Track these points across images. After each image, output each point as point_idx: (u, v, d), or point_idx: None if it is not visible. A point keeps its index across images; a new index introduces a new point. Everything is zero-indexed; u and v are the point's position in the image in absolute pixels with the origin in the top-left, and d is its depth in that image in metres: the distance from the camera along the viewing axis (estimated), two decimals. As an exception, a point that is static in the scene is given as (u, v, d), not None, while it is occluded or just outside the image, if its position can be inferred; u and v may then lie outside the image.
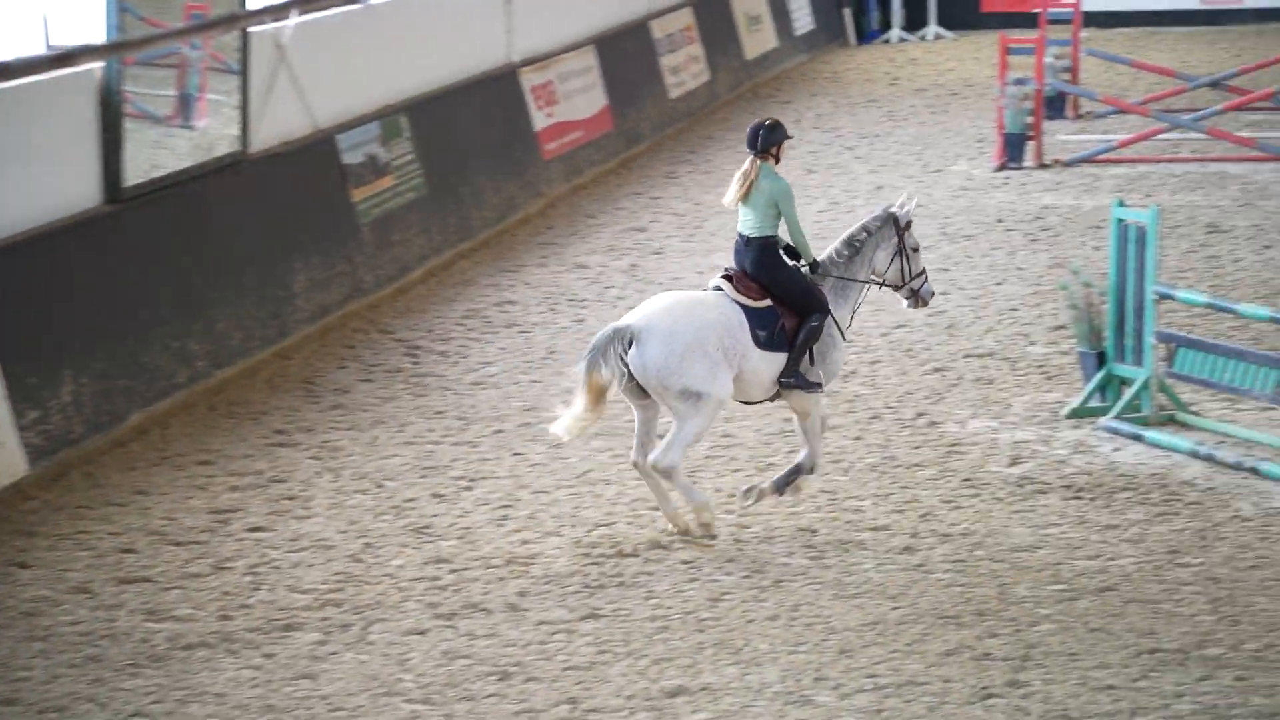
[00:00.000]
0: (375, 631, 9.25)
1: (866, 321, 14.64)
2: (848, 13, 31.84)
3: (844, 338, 10.44)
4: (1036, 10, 25.24)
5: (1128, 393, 11.80)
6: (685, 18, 25.19)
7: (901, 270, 10.56)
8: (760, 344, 10.06)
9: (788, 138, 10.35)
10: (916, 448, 11.62)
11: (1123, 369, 11.89)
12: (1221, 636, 8.69)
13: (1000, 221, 18.04)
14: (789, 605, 9.32)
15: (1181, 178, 19.68)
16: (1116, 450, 11.37)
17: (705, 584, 9.63)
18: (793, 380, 10.17)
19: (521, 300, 15.86)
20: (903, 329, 14.40)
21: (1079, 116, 23.37)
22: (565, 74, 20.90)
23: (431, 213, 17.21)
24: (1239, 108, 21.44)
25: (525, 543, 10.32)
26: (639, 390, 10.09)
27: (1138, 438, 11.48)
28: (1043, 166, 20.40)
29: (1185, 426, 11.70)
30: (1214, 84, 22.76)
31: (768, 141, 10.24)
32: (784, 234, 10.35)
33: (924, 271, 10.69)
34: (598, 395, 10.03)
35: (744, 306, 10.11)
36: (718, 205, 19.56)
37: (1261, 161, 19.98)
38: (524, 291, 16.14)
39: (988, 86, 24.80)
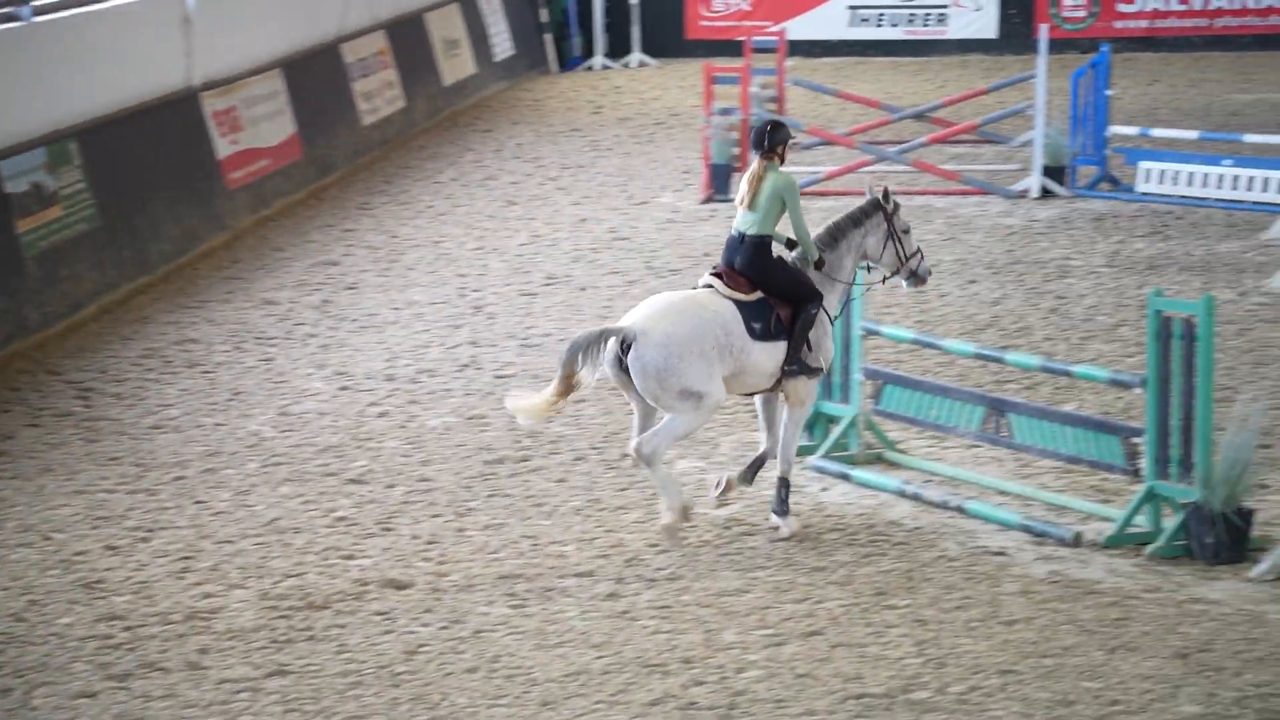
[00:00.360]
0: (39, 696, 8.97)
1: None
2: (549, 39, 32.08)
3: (831, 323, 10.96)
4: (741, 39, 25.75)
5: (835, 431, 12.07)
6: (379, 41, 25.09)
7: (897, 254, 11.10)
8: (757, 336, 10.62)
9: (791, 138, 10.91)
10: (622, 490, 11.71)
11: (830, 407, 12.15)
12: (928, 680, 8.93)
13: (707, 255, 18.28)
14: (489, 656, 9.30)
15: (888, 211, 20.21)
16: (824, 490, 11.61)
17: (401, 636, 9.56)
18: (795, 367, 10.76)
19: (204, 339, 15.57)
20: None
21: (785, 148, 23.84)
22: (250, 99, 20.63)
23: (105, 245, 16.80)
24: (943, 140, 22.15)
25: (208, 596, 10.12)
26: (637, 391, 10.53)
27: (845, 477, 11.74)
28: (749, 199, 20.76)
29: (892, 465, 12.00)
30: (919, 116, 23.49)
31: (774, 141, 10.79)
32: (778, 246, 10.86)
33: (919, 250, 11.21)
34: (568, 390, 10.51)
35: (736, 302, 10.63)
36: (416, 238, 19.53)
37: (966, 195, 20.68)
38: (207, 329, 15.86)
39: (693, 116, 25.20)
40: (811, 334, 10.78)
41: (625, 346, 10.41)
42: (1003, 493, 11.41)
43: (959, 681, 8.88)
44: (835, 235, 11.01)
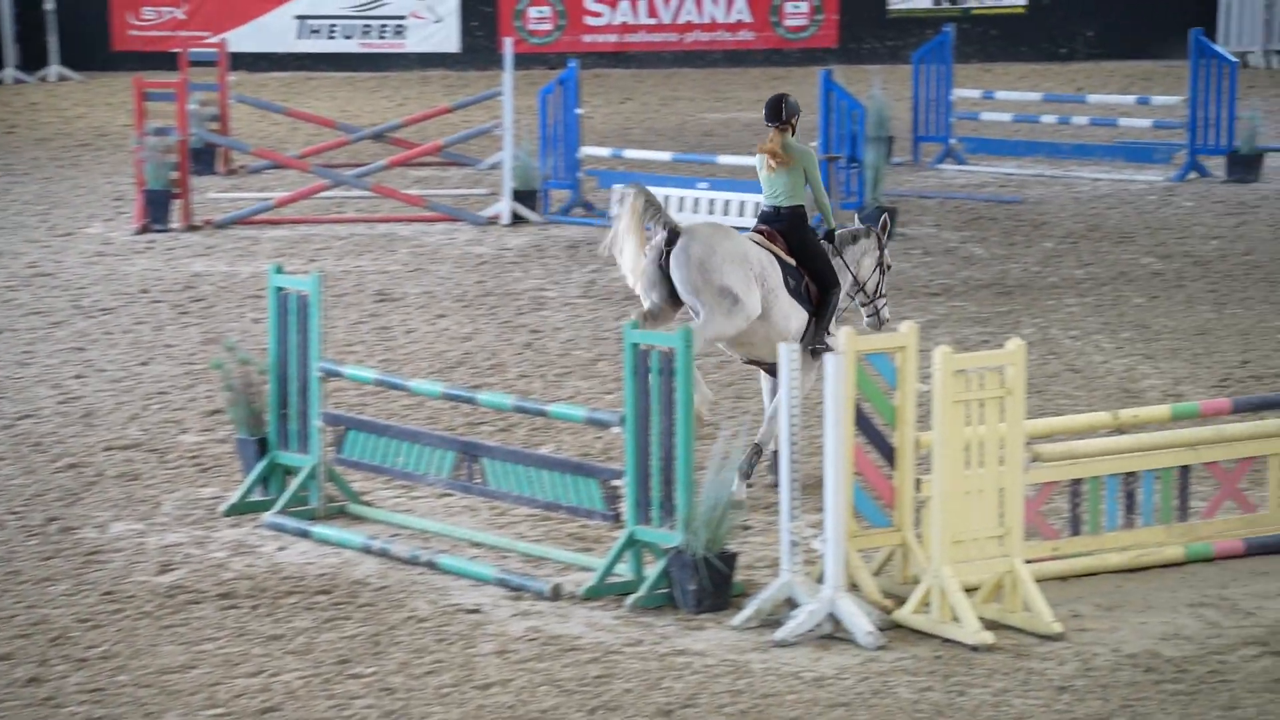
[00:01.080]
0: None
1: None
2: (-49, 48, 30.97)
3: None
4: (176, 50, 25.37)
5: (293, 483, 11.95)
6: None
7: (877, 285, 12.52)
8: (791, 291, 11.87)
9: (801, 111, 12.25)
10: (47, 559, 11.33)
11: (287, 457, 12.03)
12: (399, 753, 8.91)
13: (145, 292, 17.99)
14: (-109, 760, 8.83)
15: (348, 240, 20.25)
16: (281, 549, 11.48)
17: None
18: (823, 347, 11.88)
19: None
20: (29, 419, 14.05)
21: (231, 172, 23.67)
22: None
23: None
24: (406, 162, 22.30)
25: None
26: (672, 303, 11.66)
27: (305, 534, 11.63)
28: (192, 228, 20.50)
29: (357, 519, 11.96)
30: (378, 136, 23.59)
31: (790, 112, 12.10)
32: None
33: (886, 293, 12.66)
34: (639, 226, 11.56)
35: (777, 256, 11.90)
36: None
37: (432, 222, 20.85)
38: None
39: (124, 136, 24.73)
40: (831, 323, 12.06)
41: (670, 241, 11.54)
42: (477, 545, 11.50)
43: (432, 755, 8.88)
44: (847, 238, 12.37)
